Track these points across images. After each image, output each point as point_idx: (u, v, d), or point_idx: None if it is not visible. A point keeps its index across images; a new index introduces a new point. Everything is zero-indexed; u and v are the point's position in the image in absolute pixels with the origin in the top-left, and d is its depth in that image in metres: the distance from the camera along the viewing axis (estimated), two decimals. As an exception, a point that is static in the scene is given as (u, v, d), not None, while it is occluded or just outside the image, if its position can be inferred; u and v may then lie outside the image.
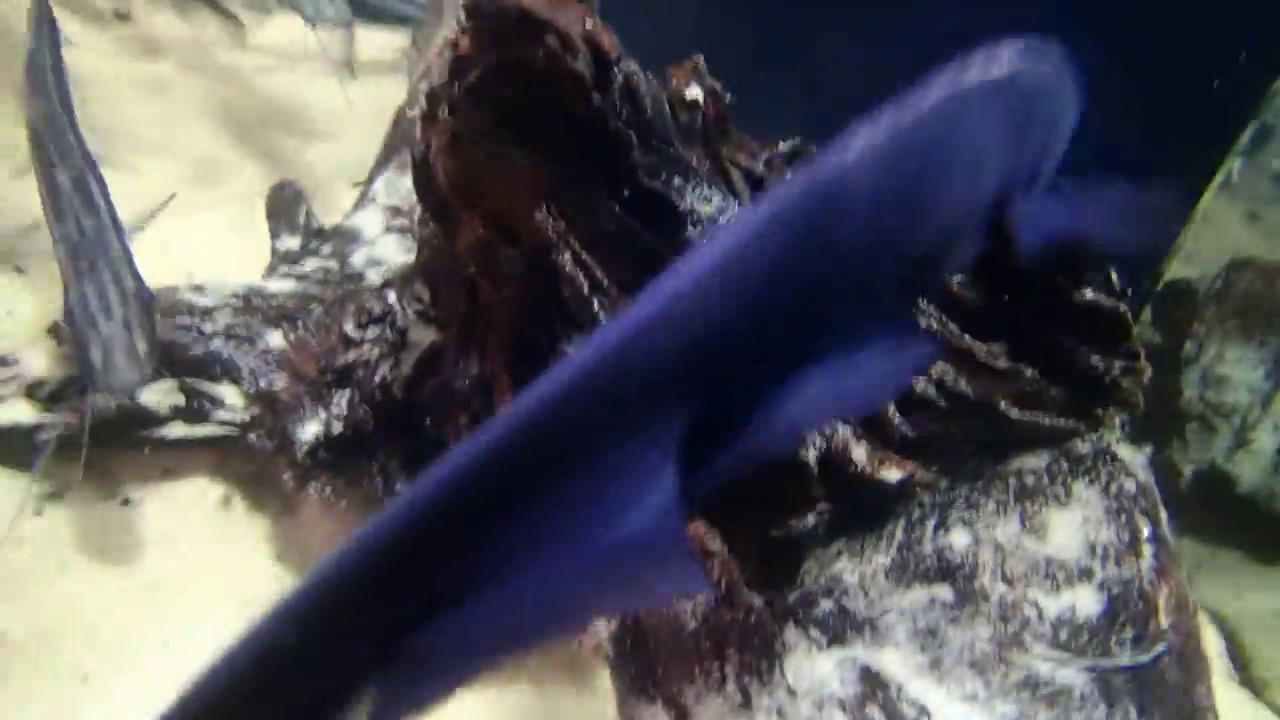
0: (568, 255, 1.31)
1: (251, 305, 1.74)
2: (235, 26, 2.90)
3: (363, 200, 2.32)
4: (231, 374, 1.64)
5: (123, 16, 3.01)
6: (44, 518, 1.47)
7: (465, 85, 1.24)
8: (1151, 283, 2.32)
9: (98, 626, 1.38)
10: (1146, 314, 2.36)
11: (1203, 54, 1.98)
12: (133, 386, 1.36)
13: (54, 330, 1.59)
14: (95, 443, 1.42)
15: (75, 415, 1.52)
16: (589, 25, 1.23)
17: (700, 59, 1.44)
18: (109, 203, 1.51)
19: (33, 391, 1.52)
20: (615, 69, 1.25)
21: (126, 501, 1.55)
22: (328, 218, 2.34)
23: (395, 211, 2.31)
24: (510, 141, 1.26)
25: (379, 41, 3.22)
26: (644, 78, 1.31)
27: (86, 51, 2.66)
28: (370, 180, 2.39)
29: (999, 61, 0.86)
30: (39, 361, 1.55)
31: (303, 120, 2.79)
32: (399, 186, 2.39)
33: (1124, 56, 2.09)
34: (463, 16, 1.30)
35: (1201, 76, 1.97)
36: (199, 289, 1.76)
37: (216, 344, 1.65)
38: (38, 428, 1.48)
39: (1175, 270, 2.40)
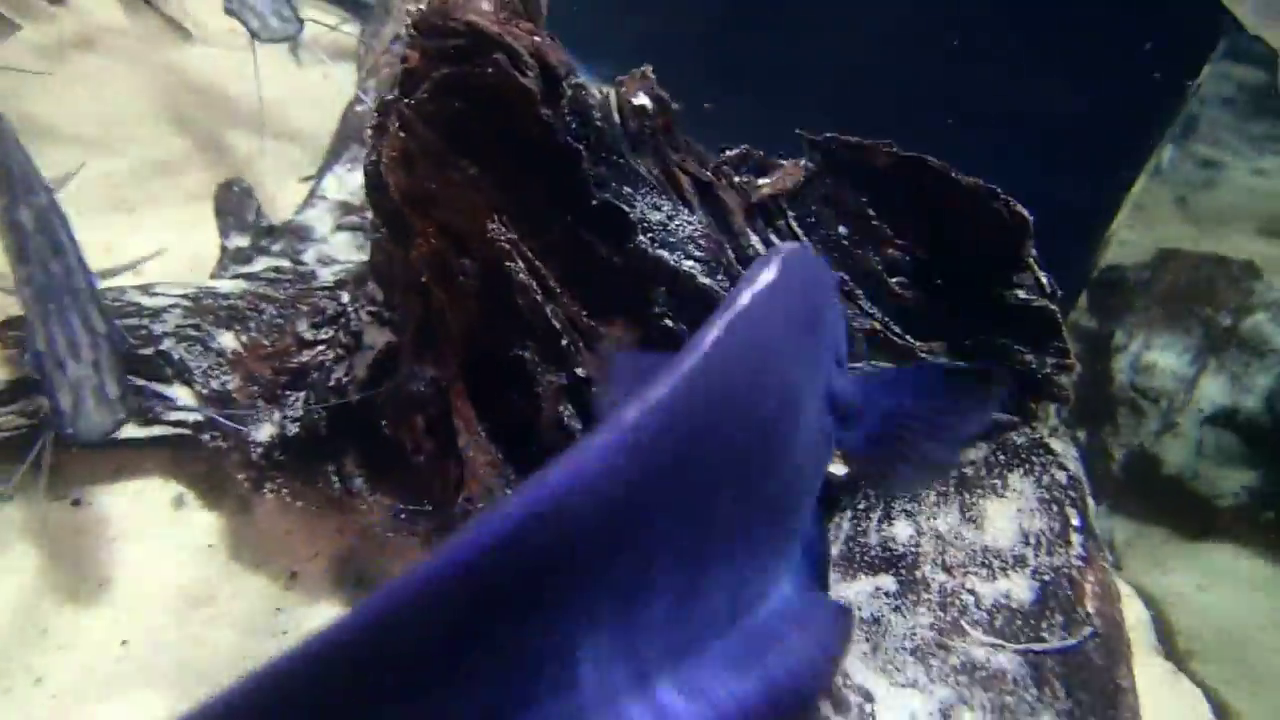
0: (521, 265, 1.33)
1: (202, 305, 1.74)
2: (178, 30, 2.84)
3: (312, 197, 2.31)
4: (183, 375, 1.64)
5: (56, 1, 2.92)
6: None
7: (415, 100, 1.26)
8: (1087, 270, 2.41)
9: (50, 629, 1.39)
10: (1083, 300, 2.45)
11: (1135, 43, 2.05)
12: (106, 432, 1.33)
13: (0, 331, 1.58)
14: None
15: (22, 418, 1.52)
16: (537, 40, 1.25)
17: (649, 69, 1.46)
18: (74, 241, 1.47)
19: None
20: (564, 84, 1.28)
21: (77, 502, 1.54)
22: (277, 214, 2.32)
23: (346, 208, 2.30)
24: (460, 155, 1.28)
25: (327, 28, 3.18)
26: (592, 91, 1.34)
27: (17, 43, 2.59)
28: (320, 176, 2.37)
29: (773, 267, 0.85)
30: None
31: (249, 114, 2.75)
32: (349, 182, 2.37)
33: (1057, 48, 2.15)
34: (412, 31, 1.31)
35: (1136, 66, 2.04)
36: (146, 289, 1.75)
37: (167, 344, 1.65)
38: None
39: (1110, 256, 2.50)
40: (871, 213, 1.49)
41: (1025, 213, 1.47)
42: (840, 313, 1.08)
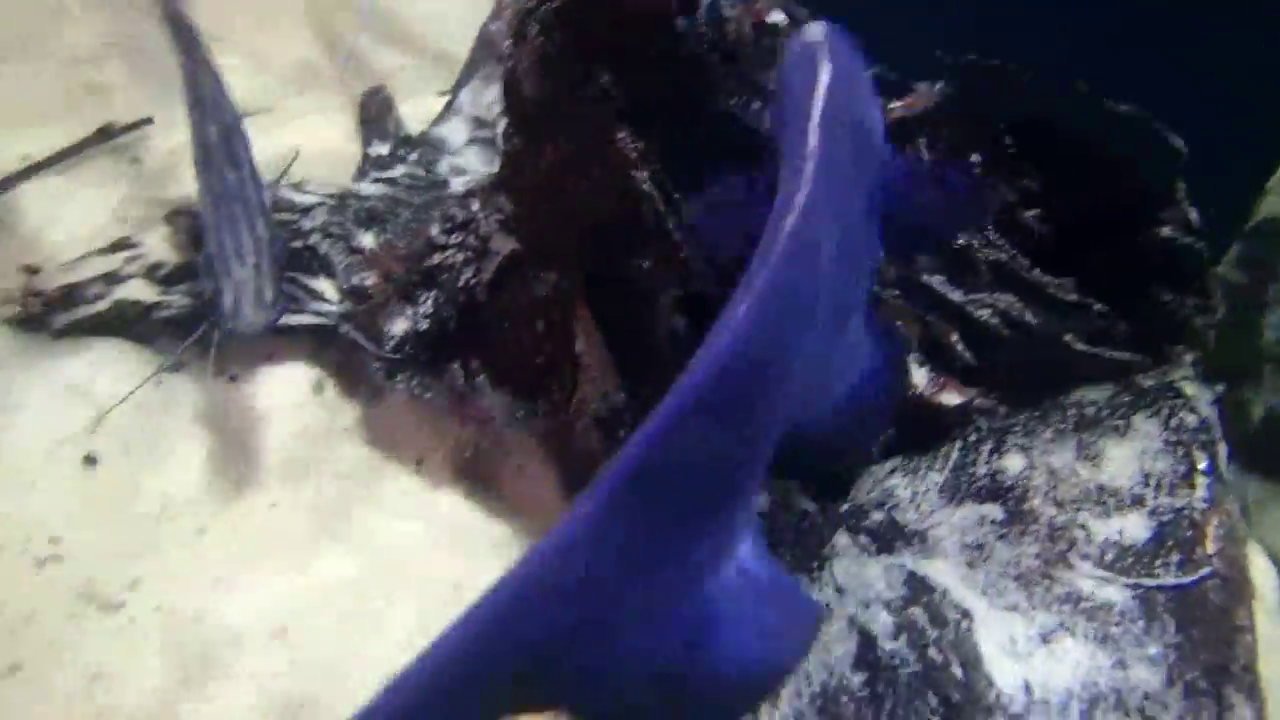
0: (645, 174, 1.36)
1: (345, 205, 1.84)
2: None
3: (448, 111, 2.38)
4: (327, 269, 1.75)
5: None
6: (162, 387, 1.62)
7: (553, 8, 1.29)
8: (1240, 221, 2.25)
9: (212, 487, 1.54)
10: (1234, 253, 2.29)
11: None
12: (258, 329, 1.48)
13: (171, 217, 1.72)
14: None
15: (190, 298, 1.66)
16: (678, -54, 1.25)
17: (784, -20, 1.44)
18: (250, 157, 1.60)
19: (152, 273, 1.66)
20: (701, -7, 1.28)
21: (234, 379, 1.68)
22: (414, 127, 2.41)
23: (479, 123, 2.36)
24: (594, 63, 1.31)
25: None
26: (728, 3, 1.33)
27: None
28: (455, 91, 2.44)
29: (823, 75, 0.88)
30: (158, 246, 1.69)
31: (393, 26, 2.84)
32: (482, 98, 2.44)
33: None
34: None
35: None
36: (298, 187, 1.87)
37: (314, 239, 1.76)
38: (155, 306, 1.63)
39: (1267, 209, 2.32)
40: (1008, 140, 1.44)
41: (1179, 144, 1.39)
42: (878, 104, 1.07)
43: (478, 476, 1.62)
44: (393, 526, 1.54)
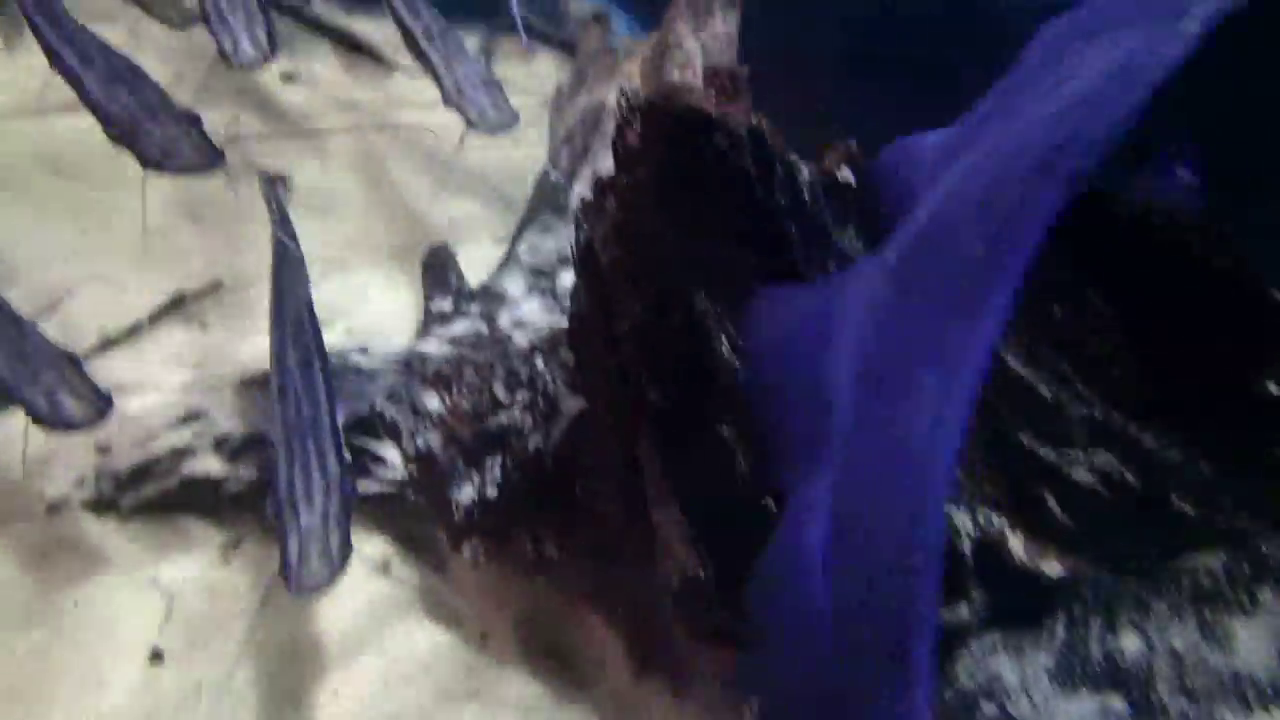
0: (725, 343, 1.33)
1: (411, 368, 1.84)
2: (385, 69, 3.07)
3: (507, 261, 2.42)
4: (393, 434, 1.73)
5: (290, 78, 3.23)
6: (229, 568, 1.58)
7: (634, 179, 1.29)
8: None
9: (276, 674, 1.47)
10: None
11: None
12: (323, 586, 1.34)
13: (240, 387, 1.73)
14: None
15: (258, 469, 1.63)
16: (755, 122, 1.25)
17: (854, 143, 1.45)
18: (330, 385, 1.51)
19: (220, 446, 1.65)
20: (778, 163, 1.28)
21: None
22: (472, 274, 2.45)
23: (537, 273, 2.39)
24: (675, 233, 1.30)
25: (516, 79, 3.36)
26: (803, 168, 1.33)
27: (259, 113, 2.88)
28: (514, 241, 2.49)
29: None
30: (226, 417, 1.68)
31: (452, 174, 2.93)
32: (541, 248, 2.47)
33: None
34: (632, 111, 1.35)
35: None
36: (364, 351, 1.87)
37: (380, 405, 1.75)
38: (224, 480, 1.61)
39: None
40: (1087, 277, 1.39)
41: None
42: None
43: (546, 652, 1.54)
44: (456, 709, 1.46)
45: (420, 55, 2.26)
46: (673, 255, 1.32)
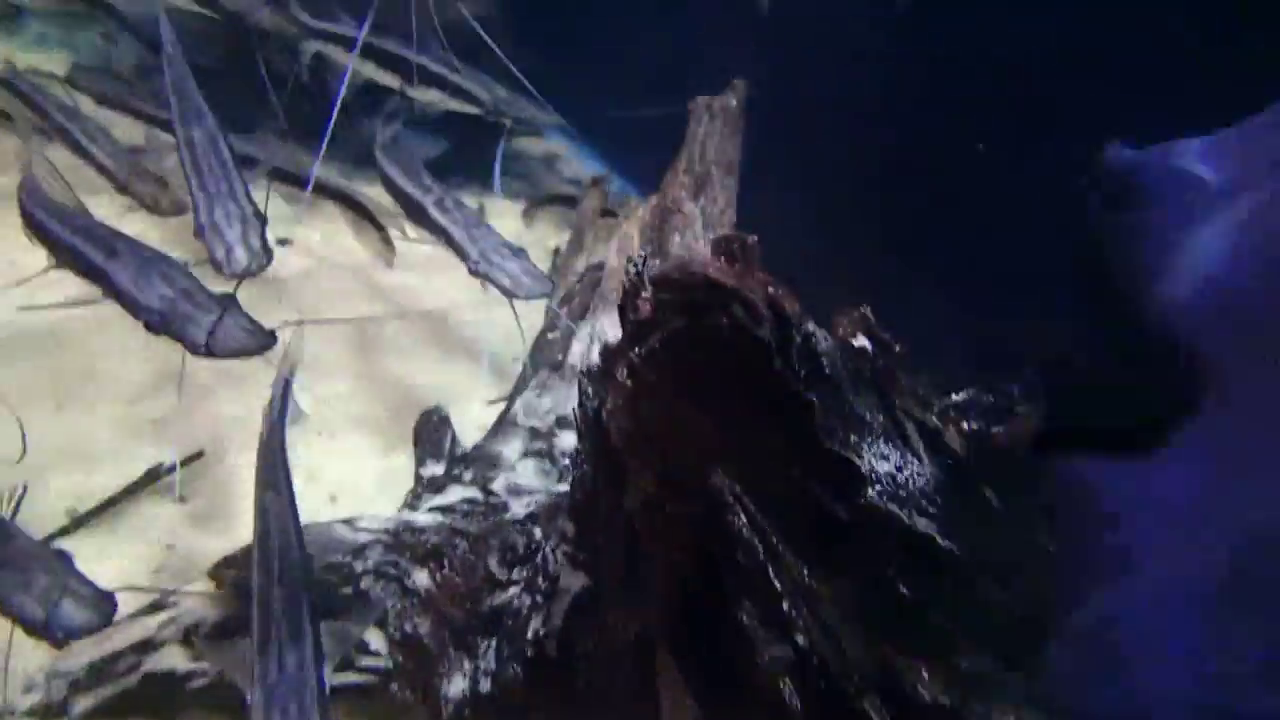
0: (743, 519, 1.24)
1: (400, 541, 1.73)
2: (387, 247, 3.09)
3: (502, 422, 2.35)
4: (377, 616, 1.60)
5: (285, 243, 3.25)
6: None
7: (646, 349, 1.24)
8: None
9: None
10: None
11: None
12: None
13: (215, 571, 1.60)
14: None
15: (225, 663, 1.49)
16: (772, 291, 1.22)
17: (868, 309, 1.42)
18: (317, 631, 1.35)
19: (189, 636, 1.50)
20: (795, 332, 1.24)
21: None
22: (463, 434, 2.37)
23: (534, 433, 2.31)
24: (689, 405, 1.24)
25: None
26: (822, 337, 1.29)
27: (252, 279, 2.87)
28: (510, 401, 2.43)
29: None
30: (198, 603, 1.55)
31: (442, 336, 2.90)
32: (537, 408, 2.41)
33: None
34: (641, 279, 1.32)
35: None
36: (351, 523, 1.76)
37: (365, 583, 1.63)
38: (189, 675, 1.45)
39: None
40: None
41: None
42: None
43: None
44: None
45: (435, 227, 2.25)
46: (687, 427, 1.26)
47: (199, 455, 2.08)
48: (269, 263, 1.93)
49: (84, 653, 1.46)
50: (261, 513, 1.42)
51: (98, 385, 2.24)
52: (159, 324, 1.66)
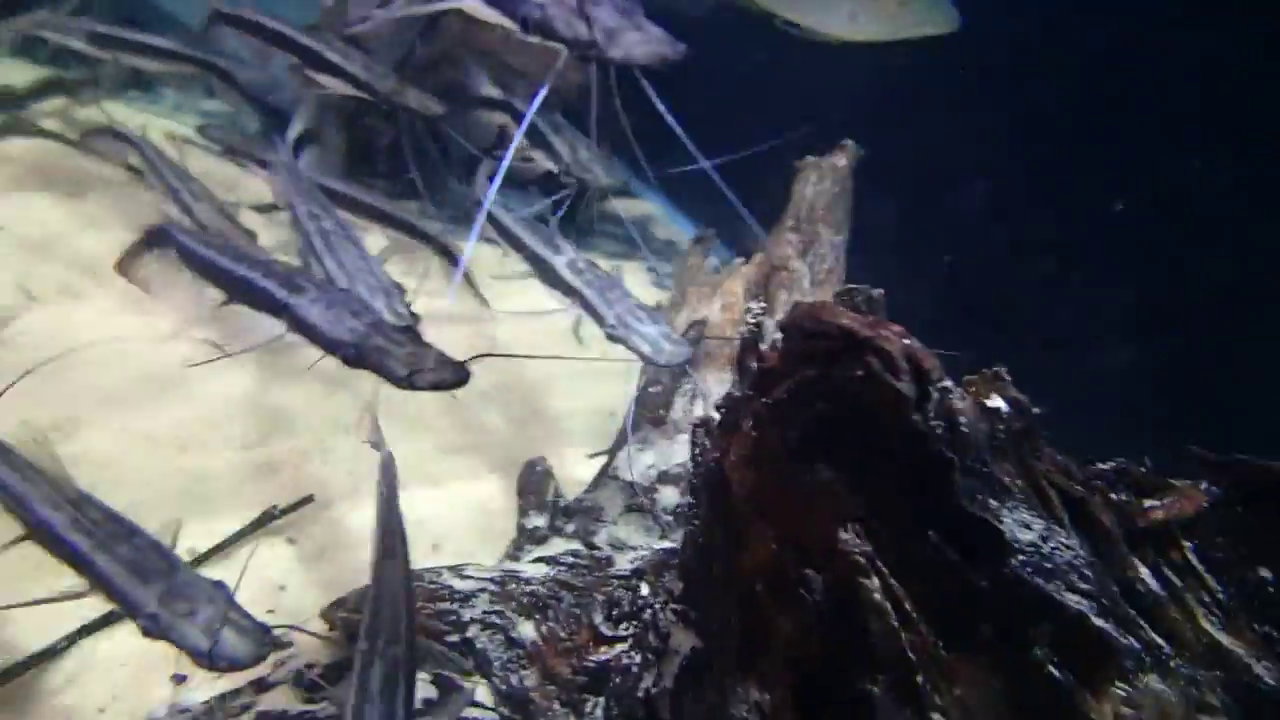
0: (876, 583, 1.18)
1: (506, 591, 1.71)
2: (483, 305, 3.14)
3: (603, 476, 2.33)
4: (483, 667, 1.57)
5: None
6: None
7: (774, 400, 1.20)
8: None
9: None
10: None
11: None
12: None
13: (326, 612, 1.60)
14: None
15: (336, 706, 1.48)
16: (908, 344, 1.17)
17: (1003, 370, 1.35)
18: (412, 646, 1.33)
19: (300, 677, 1.50)
20: (933, 387, 1.18)
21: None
22: (566, 488, 2.35)
23: (635, 489, 2.28)
24: (818, 460, 1.19)
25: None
26: (959, 394, 1.23)
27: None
28: (610, 456, 2.41)
29: None
30: (310, 644, 1.55)
31: (544, 387, 2.92)
32: (638, 463, 2.38)
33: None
34: (762, 338, 1.29)
35: None
36: (458, 570, 1.75)
37: (472, 632, 1.61)
38: (300, 716, 1.45)
39: None
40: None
41: None
42: None
43: None
44: None
45: (570, 290, 2.20)
46: (815, 484, 1.21)
47: (309, 500, 2.12)
48: (417, 325, 1.94)
49: (202, 689, 1.47)
50: (375, 579, 1.40)
51: (216, 430, 2.32)
52: (355, 357, 1.63)
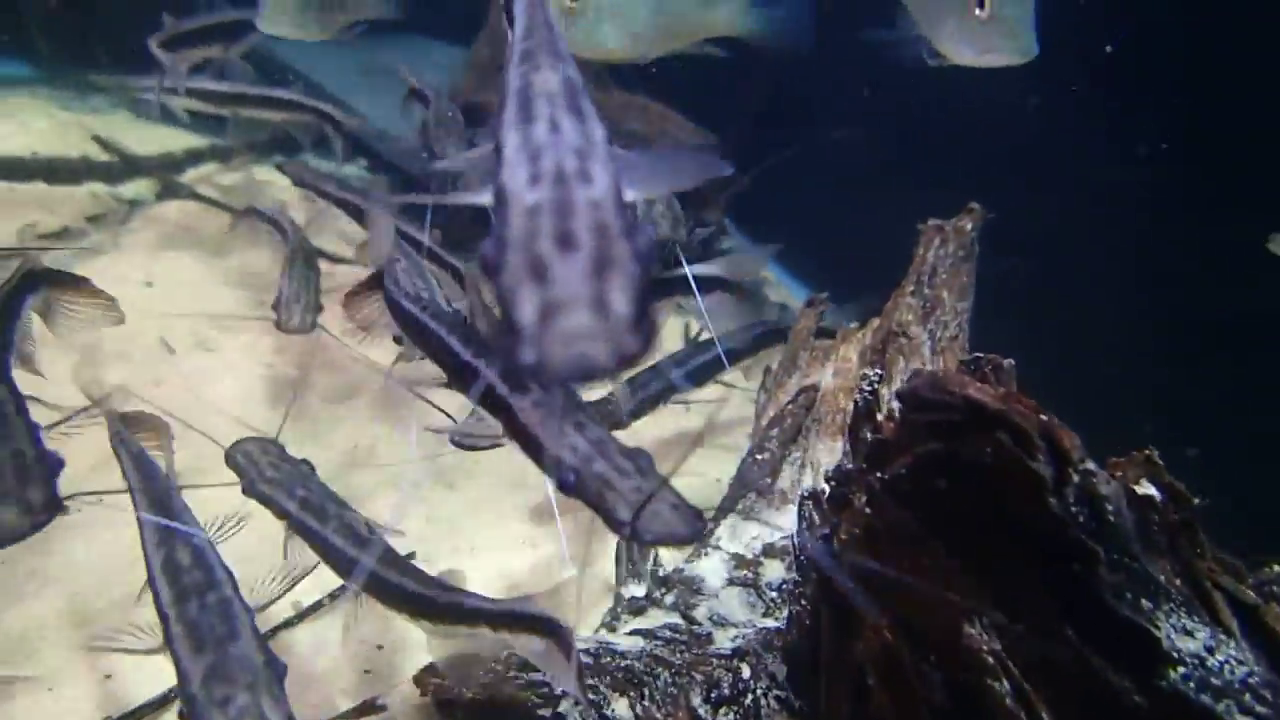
0: (1007, 686, 1.05)
1: (600, 664, 1.63)
2: None
3: (704, 546, 2.23)
4: (570, 747, 1.49)
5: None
6: None
7: (891, 474, 1.11)
8: None
9: None
10: None
11: None
12: None
13: (419, 678, 1.56)
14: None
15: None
16: (1044, 419, 1.06)
17: (1154, 451, 1.21)
18: None
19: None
20: (1073, 469, 1.06)
21: None
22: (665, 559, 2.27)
23: (738, 560, 2.18)
24: (938, 543, 1.08)
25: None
26: (1104, 479, 1.10)
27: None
28: (714, 524, 2.31)
29: None
30: (402, 711, 1.51)
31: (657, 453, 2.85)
32: (742, 533, 2.28)
33: None
34: (879, 407, 1.20)
35: None
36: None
37: (564, 707, 1.53)
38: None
39: None
40: None
41: None
42: None
43: None
44: None
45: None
46: (937, 570, 1.10)
47: (411, 556, 2.11)
48: None
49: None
50: None
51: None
52: (571, 486, 1.31)
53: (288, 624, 1.91)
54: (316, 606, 1.97)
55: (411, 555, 2.10)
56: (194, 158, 4.02)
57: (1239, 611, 1.12)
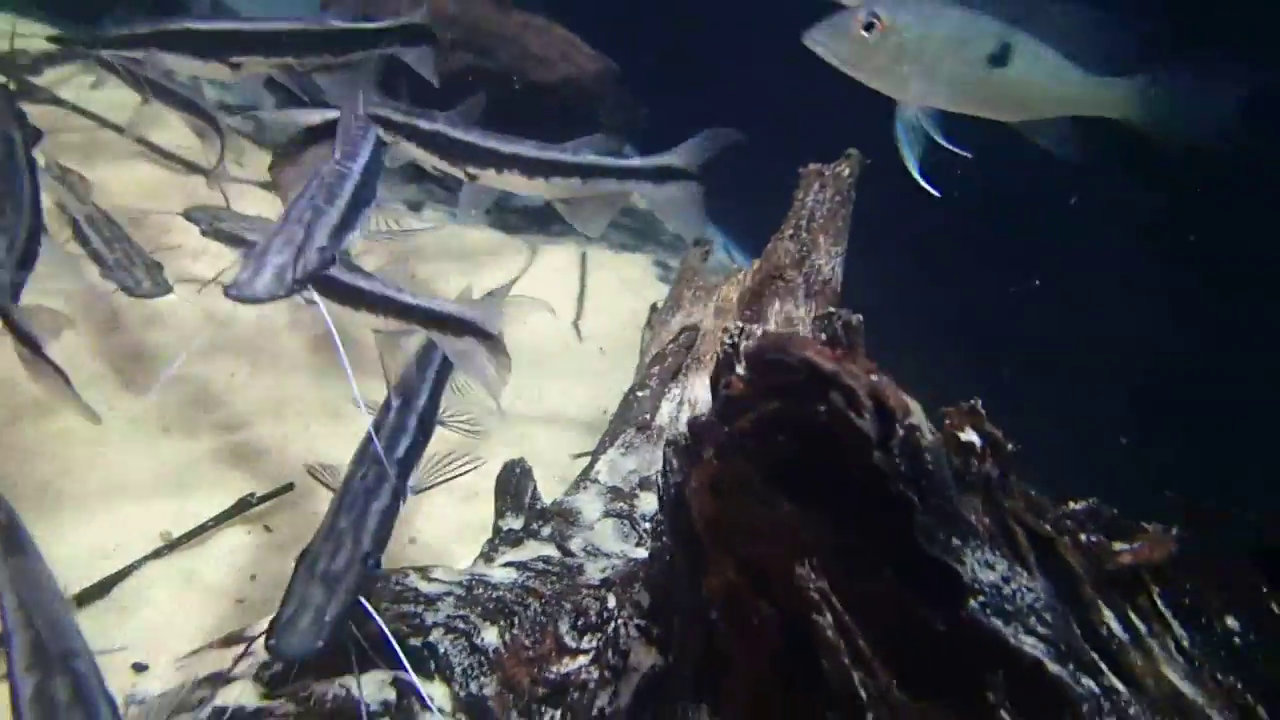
0: (829, 619, 1.16)
1: (473, 595, 1.70)
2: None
3: (584, 479, 2.31)
4: (444, 672, 1.57)
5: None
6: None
7: (736, 430, 1.19)
8: None
9: None
10: None
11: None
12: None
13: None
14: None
15: (295, 704, 1.48)
16: (874, 380, 1.15)
17: (979, 403, 1.33)
18: None
19: (262, 671, 1.50)
20: (898, 424, 1.16)
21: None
22: (546, 487, 2.34)
23: (615, 493, 2.27)
24: (778, 494, 1.18)
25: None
26: (927, 430, 1.21)
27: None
28: (594, 459, 2.39)
29: None
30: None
31: (524, 385, 2.89)
32: (620, 467, 2.37)
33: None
34: (736, 354, 1.27)
35: None
36: (425, 573, 1.75)
37: (434, 636, 1.60)
38: (258, 713, 1.45)
39: None
40: (1277, 608, 1.19)
41: None
42: None
43: None
44: None
45: None
46: (775, 517, 1.19)
47: (289, 487, 2.12)
48: None
49: (159, 680, 1.48)
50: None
51: (206, 413, 2.32)
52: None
53: (157, 554, 1.90)
54: (186, 537, 1.96)
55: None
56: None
57: (1037, 544, 1.26)
